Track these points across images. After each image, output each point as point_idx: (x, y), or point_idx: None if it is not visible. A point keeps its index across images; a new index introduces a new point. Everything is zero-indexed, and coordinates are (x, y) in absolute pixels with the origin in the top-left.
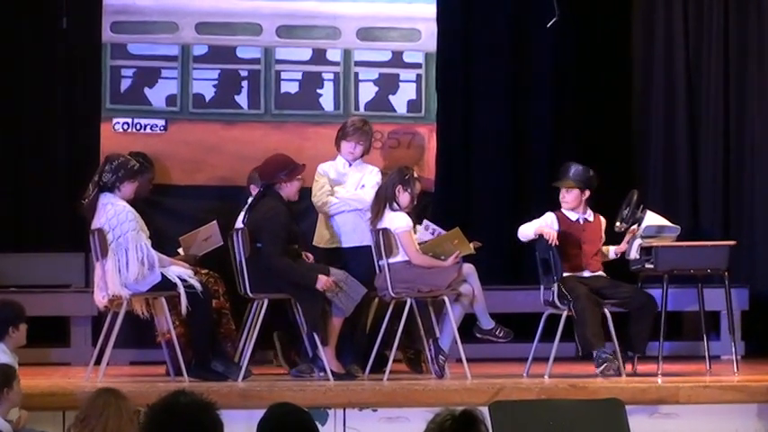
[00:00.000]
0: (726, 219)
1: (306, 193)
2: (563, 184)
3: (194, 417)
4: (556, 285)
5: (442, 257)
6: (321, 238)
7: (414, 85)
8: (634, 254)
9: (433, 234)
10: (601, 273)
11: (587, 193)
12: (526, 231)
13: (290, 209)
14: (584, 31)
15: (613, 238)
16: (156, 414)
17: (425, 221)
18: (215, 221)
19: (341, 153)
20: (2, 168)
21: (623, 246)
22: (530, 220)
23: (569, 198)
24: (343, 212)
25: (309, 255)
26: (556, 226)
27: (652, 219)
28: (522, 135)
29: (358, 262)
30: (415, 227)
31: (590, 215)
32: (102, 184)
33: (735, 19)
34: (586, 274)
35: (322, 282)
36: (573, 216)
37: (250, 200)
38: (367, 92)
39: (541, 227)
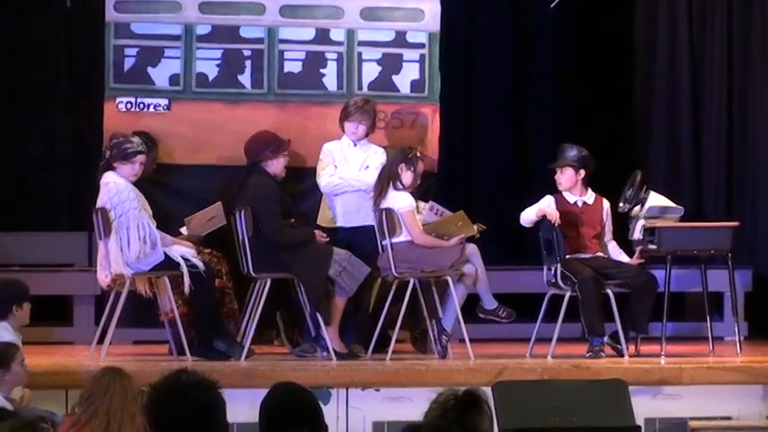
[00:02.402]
0: (729, 200)
1: (310, 172)
2: (557, 165)
3: (197, 396)
4: (559, 266)
5: (445, 238)
6: (324, 217)
7: (417, 65)
8: (637, 234)
9: (438, 215)
10: (600, 253)
11: (582, 173)
12: (528, 215)
13: (279, 184)
14: (587, 13)
15: (618, 219)
16: (159, 393)
17: (431, 202)
18: (219, 203)
19: (345, 133)
20: (5, 147)
21: (633, 260)
22: (532, 200)
23: (563, 178)
24: (347, 192)
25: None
26: (554, 208)
27: (655, 199)
28: (524, 115)
29: (361, 242)
30: (418, 207)
31: (590, 198)
32: (105, 163)
33: (738, 1)
34: (586, 255)
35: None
36: (571, 198)
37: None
38: (370, 72)
39: (543, 208)
